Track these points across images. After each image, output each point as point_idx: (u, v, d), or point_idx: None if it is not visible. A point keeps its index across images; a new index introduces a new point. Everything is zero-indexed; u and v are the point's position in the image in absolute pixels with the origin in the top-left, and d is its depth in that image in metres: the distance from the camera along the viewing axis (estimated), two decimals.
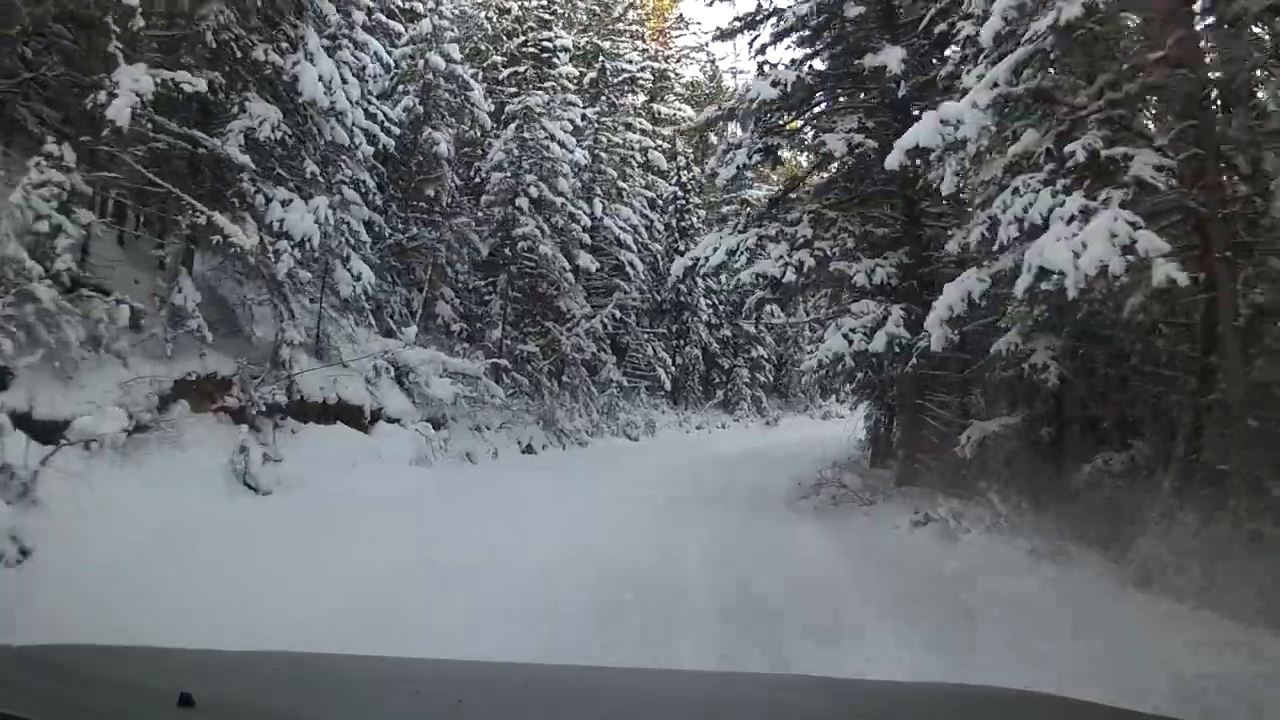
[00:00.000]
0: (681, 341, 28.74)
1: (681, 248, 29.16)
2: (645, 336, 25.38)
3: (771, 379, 34.38)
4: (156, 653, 2.24)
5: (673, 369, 26.71)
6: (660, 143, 30.88)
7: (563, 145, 20.10)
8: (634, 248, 24.99)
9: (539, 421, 17.75)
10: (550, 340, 19.58)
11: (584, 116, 24.69)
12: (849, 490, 10.77)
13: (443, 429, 13.94)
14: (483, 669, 2.46)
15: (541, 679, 2.29)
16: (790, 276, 9.98)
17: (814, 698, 2.12)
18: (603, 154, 24.19)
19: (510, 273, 18.21)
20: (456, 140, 19.28)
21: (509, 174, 18.10)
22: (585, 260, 21.67)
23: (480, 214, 19.18)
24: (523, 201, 17.75)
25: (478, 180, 20.10)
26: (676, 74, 38.74)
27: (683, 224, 29.18)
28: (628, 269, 24.68)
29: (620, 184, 25.13)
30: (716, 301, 31.49)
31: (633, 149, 26.58)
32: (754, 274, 10.21)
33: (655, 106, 35.56)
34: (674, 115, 36.07)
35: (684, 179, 30.11)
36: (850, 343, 9.47)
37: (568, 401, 19.94)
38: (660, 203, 29.55)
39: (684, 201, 29.46)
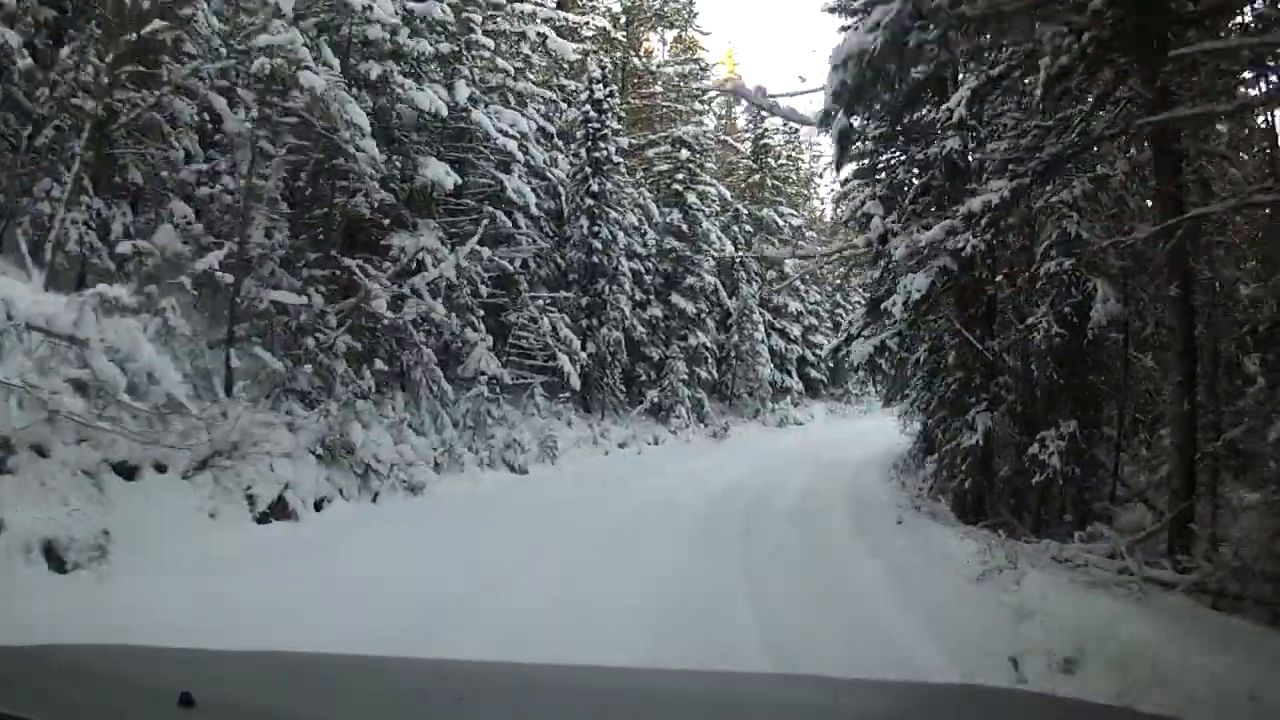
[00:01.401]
0: (596, 320, 19.96)
1: (595, 187, 20.65)
2: (541, 304, 16.46)
3: (715, 375, 25.82)
4: (156, 653, 2.20)
5: (582, 357, 17.89)
6: (574, 55, 22.29)
7: None
8: (523, 167, 16.17)
9: (319, 448, 8.79)
10: (362, 296, 10.60)
11: None
12: None
13: None
14: (483, 669, 2.48)
15: (541, 679, 2.26)
16: None
17: (814, 698, 2.10)
18: (475, 17, 15.31)
19: (252, 144, 9.04)
20: None
21: None
22: (436, 170, 12.79)
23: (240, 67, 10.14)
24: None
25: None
26: None
27: (596, 154, 20.46)
28: (515, 203, 15.88)
29: (503, 64, 16.27)
30: (643, 268, 22.94)
31: (525, 27, 17.74)
32: None
33: (562, 14, 26.95)
34: (586, 23, 27.63)
35: (599, 97, 21.29)
36: None
37: (394, 409, 10.98)
38: (566, 127, 20.90)
39: (598, 127, 20.76)
